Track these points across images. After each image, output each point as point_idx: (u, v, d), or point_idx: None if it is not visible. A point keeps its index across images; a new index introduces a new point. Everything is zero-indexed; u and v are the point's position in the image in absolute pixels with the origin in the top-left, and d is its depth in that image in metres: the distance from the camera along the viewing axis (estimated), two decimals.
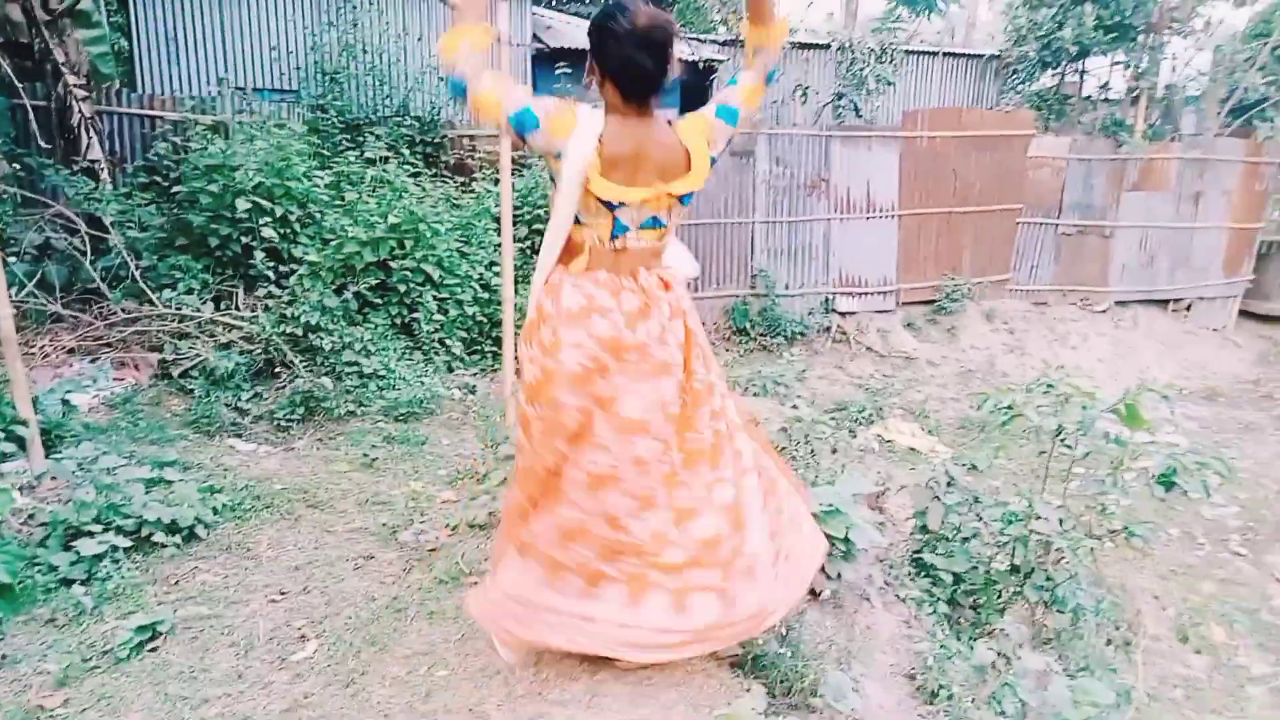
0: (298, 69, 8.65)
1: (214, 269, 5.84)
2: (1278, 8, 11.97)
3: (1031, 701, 2.57)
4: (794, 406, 5.42)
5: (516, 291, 4.42)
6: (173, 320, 5.38)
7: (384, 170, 6.78)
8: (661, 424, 1.99)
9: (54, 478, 3.35)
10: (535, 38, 10.33)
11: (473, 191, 7.32)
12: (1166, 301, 10.98)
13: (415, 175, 7.17)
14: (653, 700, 2.18)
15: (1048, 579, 3.50)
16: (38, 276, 5.46)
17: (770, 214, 9.05)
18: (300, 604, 2.70)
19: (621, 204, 1.90)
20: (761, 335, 8.91)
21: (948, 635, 3.08)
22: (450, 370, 6.09)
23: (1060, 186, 10.26)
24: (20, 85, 5.95)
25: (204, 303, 5.52)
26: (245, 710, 2.15)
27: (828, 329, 9.33)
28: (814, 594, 2.90)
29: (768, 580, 2.11)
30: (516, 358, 2.14)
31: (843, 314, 9.43)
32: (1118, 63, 11.53)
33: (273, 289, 5.71)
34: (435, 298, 6.19)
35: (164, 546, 2.97)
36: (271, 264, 5.84)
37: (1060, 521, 3.48)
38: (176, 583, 2.81)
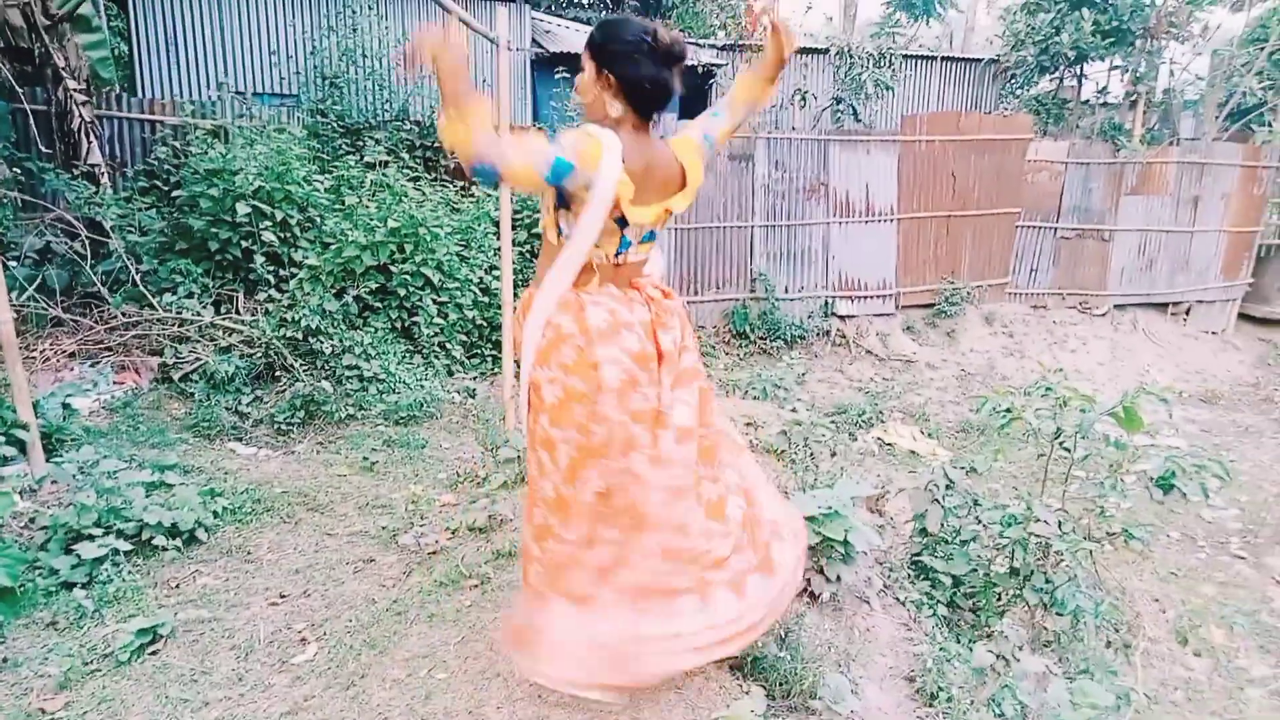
0: (297, 73, 8.68)
1: (214, 273, 5.84)
2: (1275, 13, 12.01)
3: (1031, 704, 2.58)
4: (794, 410, 5.44)
5: (516, 295, 4.43)
6: (173, 324, 5.38)
7: (384, 174, 6.79)
8: (697, 428, 2.08)
9: (54, 481, 3.36)
10: (534, 42, 10.36)
11: (472, 196, 7.33)
12: (1165, 305, 11.00)
13: (415, 179, 7.19)
14: (652, 703, 2.19)
15: (1047, 581, 3.50)
16: (38, 281, 5.47)
17: (769, 218, 9.06)
18: (300, 607, 2.71)
19: (633, 222, 1.93)
20: (761, 339, 8.92)
21: (947, 638, 3.08)
22: (450, 374, 6.10)
23: (1059, 190, 10.28)
24: (20, 90, 5.98)
25: (204, 307, 5.52)
26: (246, 713, 2.15)
27: (827, 332, 9.35)
28: (813, 596, 2.90)
29: (790, 535, 2.28)
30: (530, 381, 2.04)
31: (842, 317, 9.45)
32: (1116, 67, 11.55)
33: (273, 293, 5.72)
34: (435, 301, 6.20)
35: (164, 550, 2.98)
36: (271, 268, 5.85)
37: (1059, 524, 3.48)
38: (177, 586, 2.81)
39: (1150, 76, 11.21)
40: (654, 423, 1.96)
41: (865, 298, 9.62)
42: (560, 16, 12.66)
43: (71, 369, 4.96)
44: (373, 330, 5.79)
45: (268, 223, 5.81)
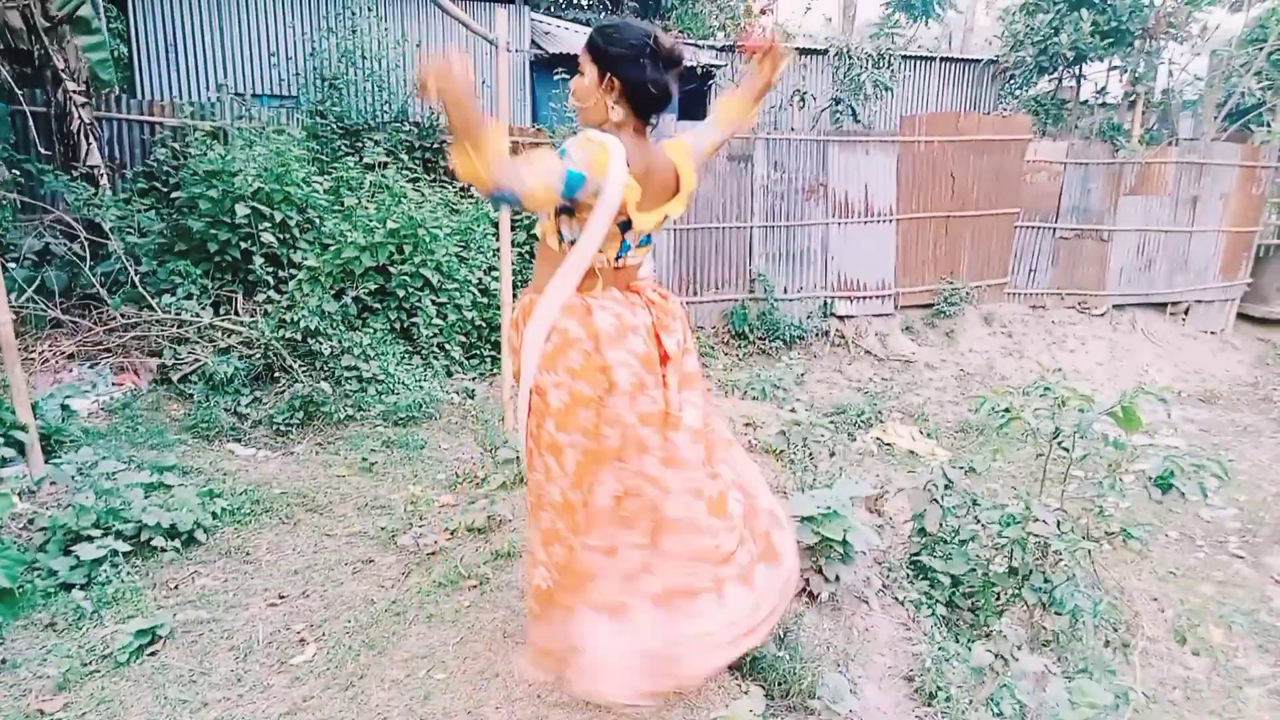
0: (297, 75, 8.68)
1: (213, 274, 5.84)
2: (1273, 13, 12.01)
3: (1029, 703, 2.58)
4: (792, 410, 5.45)
5: (515, 296, 4.43)
6: (172, 325, 5.38)
7: (383, 176, 6.80)
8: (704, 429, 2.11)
9: (53, 483, 3.36)
10: (534, 43, 10.37)
11: (471, 197, 7.34)
12: (1164, 305, 11.00)
13: (414, 181, 7.19)
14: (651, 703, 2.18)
15: (1046, 581, 3.51)
16: (37, 282, 5.47)
17: (768, 218, 9.07)
18: (299, 608, 2.71)
19: (637, 227, 1.93)
20: (760, 339, 8.92)
21: (946, 637, 3.09)
22: (449, 374, 6.10)
23: (1058, 191, 10.28)
24: (20, 91, 5.98)
25: (203, 308, 5.52)
26: (244, 714, 2.15)
27: (826, 333, 9.35)
28: (812, 596, 2.90)
29: (787, 522, 2.31)
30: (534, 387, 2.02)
31: (841, 318, 9.45)
32: (1114, 68, 11.57)
33: (272, 294, 5.72)
34: (434, 302, 6.20)
35: (163, 551, 2.98)
36: (271, 269, 5.85)
37: (1058, 524, 3.49)
38: (176, 587, 2.82)
39: (1149, 77, 11.23)
40: (663, 425, 1.96)
41: (864, 298, 9.62)
42: (559, 18, 12.67)
43: (70, 370, 4.96)
44: (372, 331, 5.79)
45: (267, 224, 5.81)
